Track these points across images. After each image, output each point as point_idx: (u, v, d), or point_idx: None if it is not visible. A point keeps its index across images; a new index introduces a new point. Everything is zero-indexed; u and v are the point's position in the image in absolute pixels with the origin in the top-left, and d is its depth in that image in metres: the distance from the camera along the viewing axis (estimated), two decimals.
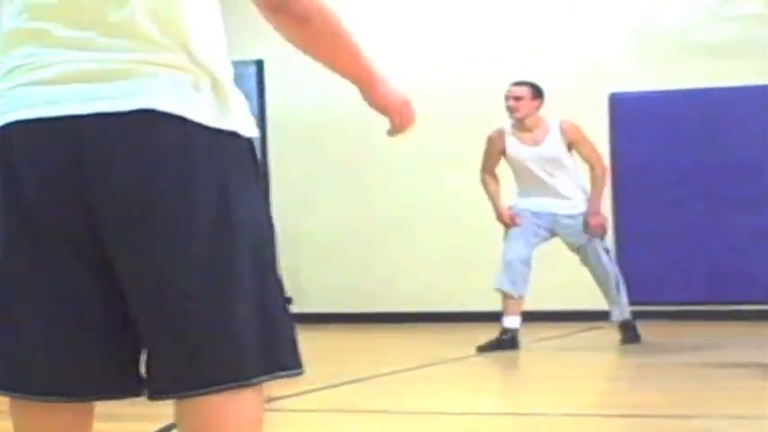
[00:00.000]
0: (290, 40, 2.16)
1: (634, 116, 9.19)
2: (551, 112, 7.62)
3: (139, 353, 2.03)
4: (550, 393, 5.64)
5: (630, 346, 7.35)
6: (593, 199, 7.36)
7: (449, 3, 9.79)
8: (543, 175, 7.38)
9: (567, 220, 7.37)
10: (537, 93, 7.39)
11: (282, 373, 2.03)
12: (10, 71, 2.01)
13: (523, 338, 7.35)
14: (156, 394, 2.02)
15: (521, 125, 7.37)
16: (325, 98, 9.63)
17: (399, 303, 9.63)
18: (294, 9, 2.09)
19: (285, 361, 2.04)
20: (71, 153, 1.94)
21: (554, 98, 8.75)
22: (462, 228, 8.29)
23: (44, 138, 1.96)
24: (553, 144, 7.36)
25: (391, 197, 9.67)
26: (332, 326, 9.43)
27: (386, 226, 9.70)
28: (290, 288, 8.46)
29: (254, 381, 1.99)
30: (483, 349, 7.26)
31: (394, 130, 2.35)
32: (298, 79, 9.15)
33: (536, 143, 7.35)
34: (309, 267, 9.83)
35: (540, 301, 8.27)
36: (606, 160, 8.98)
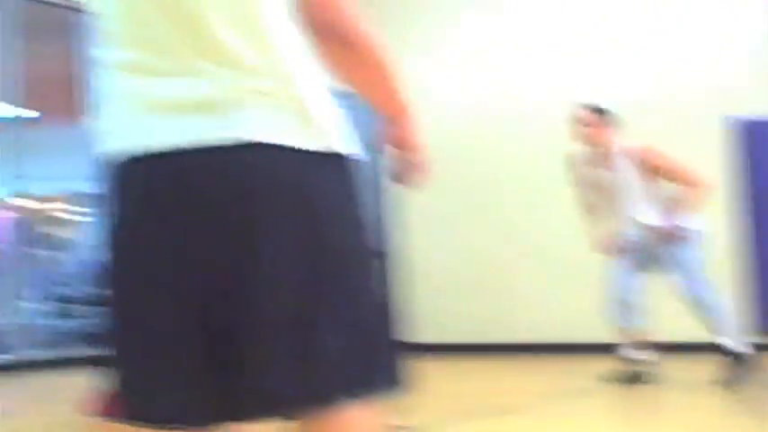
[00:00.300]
0: (331, 64, 2.17)
1: (760, 140, 8.99)
2: (668, 135, 7.47)
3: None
4: (686, 429, 5.52)
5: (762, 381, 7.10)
6: (677, 210, 7.00)
7: (566, 25, 9.74)
8: (623, 202, 7.18)
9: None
10: (602, 116, 7.18)
11: (372, 394, 2.04)
12: (108, 102, 2.06)
13: (652, 370, 7.21)
14: (240, 417, 2.02)
15: (592, 150, 7.19)
16: (455, 125, 9.67)
17: (523, 333, 9.59)
18: (341, 31, 2.12)
19: (376, 382, 2.05)
20: (171, 183, 2.00)
21: (670, 120, 8.63)
22: (591, 256, 8.22)
23: (145, 169, 2.02)
24: (626, 170, 7.12)
25: (521, 224, 9.68)
26: (459, 354, 9.41)
27: (515, 254, 9.69)
28: (417, 317, 8.47)
29: (341, 401, 2.00)
30: (611, 380, 7.14)
31: (408, 175, 2.34)
32: (429, 107, 9.23)
33: (608, 169, 7.16)
34: (437, 296, 9.86)
35: (669, 332, 8.11)
36: (727, 184, 8.82)
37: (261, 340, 1.98)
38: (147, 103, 2.03)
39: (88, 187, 5.22)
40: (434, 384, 6.73)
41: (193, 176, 1.99)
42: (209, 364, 2.00)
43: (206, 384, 2.00)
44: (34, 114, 9.48)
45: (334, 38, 2.13)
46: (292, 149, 2.01)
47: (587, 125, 7.15)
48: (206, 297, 1.99)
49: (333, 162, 2.08)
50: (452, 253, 9.99)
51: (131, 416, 2.06)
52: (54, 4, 9.06)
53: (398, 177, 2.34)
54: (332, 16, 2.12)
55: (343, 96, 2.25)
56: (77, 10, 9.10)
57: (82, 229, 6.57)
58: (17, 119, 9.05)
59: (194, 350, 2.00)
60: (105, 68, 2.08)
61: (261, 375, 1.98)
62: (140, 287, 2.04)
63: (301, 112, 2.05)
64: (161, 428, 2.04)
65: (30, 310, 9.54)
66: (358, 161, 2.16)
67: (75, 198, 8.77)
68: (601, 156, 7.18)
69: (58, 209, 5.63)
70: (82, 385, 5.87)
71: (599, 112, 7.22)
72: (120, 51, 2.06)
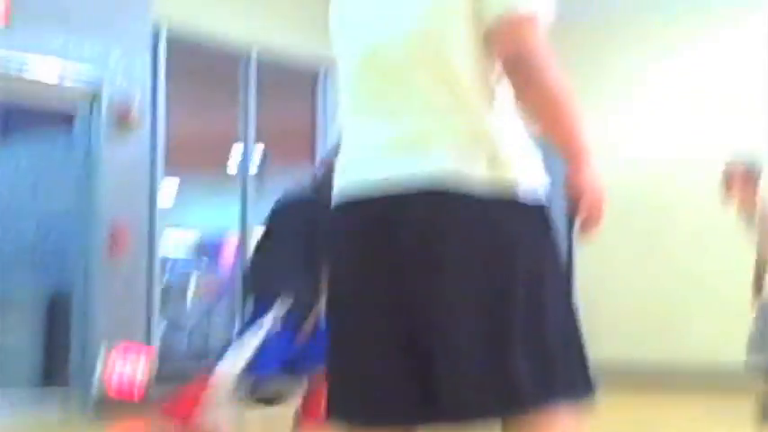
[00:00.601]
0: (518, 99, 2.21)
1: None
2: None
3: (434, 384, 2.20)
4: None
5: None
6: None
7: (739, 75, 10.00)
8: None
9: None
10: (749, 172, 7.14)
11: (560, 400, 2.19)
12: (344, 142, 2.36)
13: None
14: (445, 419, 2.21)
15: (740, 205, 7.21)
16: (628, 171, 10.00)
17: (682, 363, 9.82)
18: (525, 64, 2.16)
19: (563, 390, 2.19)
20: (379, 214, 2.23)
21: None
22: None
23: (360, 201, 2.27)
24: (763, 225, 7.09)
25: (691, 262, 9.99)
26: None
27: (685, 289, 10.02)
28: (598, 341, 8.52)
29: (531, 408, 2.15)
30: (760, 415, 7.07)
31: (581, 223, 2.31)
32: (609, 155, 9.55)
33: (756, 224, 7.15)
34: (606, 324, 10.12)
35: None
36: None
37: (457, 359, 2.14)
38: (362, 145, 2.28)
39: None
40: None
41: (390, 209, 2.20)
42: (416, 377, 2.20)
43: (413, 392, 2.21)
44: (261, 156, 10.29)
45: (519, 71, 2.16)
46: (480, 183, 2.15)
47: (730, 177, 7.17)
48: (409, 320, 2.19)
49: (520, 196, 2.19)
50: (629, 289, 10.35)
51: (350, 418, 2.31)
52: (286, 66, 9.97)
53: (574, 220, 2.29)
54: (518, 50, 2.15)
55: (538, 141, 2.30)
56: (316, 70, 9.99)
57: None
58: (248, 160, 9.89)
59: (402, 365, 2.21)
60: (340, 117, 2.39)
61: (458, 387, 2.15)
62: (354, 311, 2.28)
63: (490, 150, 2.17)
64: (378, 427, 2.27)
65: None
66: (546, 197, 2.24)
67: None
68: (746, 210, 7.18)
69: None
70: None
71: (744, 167, 7.20)
72: (346, 103, 2.36)
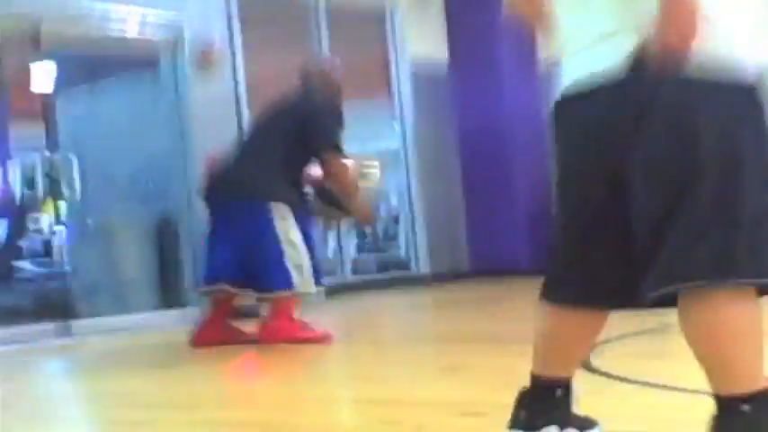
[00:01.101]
0: None
1: None
2: None
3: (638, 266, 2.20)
4: None
5: None
6: None
7: None
8: None
9: None
10: None
11: (746, 282, 2.12)
12: (562, 40, 2.43)
13: None
14: (650, 290, 2.17)
15: None
16: None
17: None
18: None
19: (752, 273, 2.12)
20: (598, 108, 2.28)
21: None
22: None
23: (579, 95, 2.33)
24: None
25: None
26: None
27: None
28: None
29: (742, 281, 2.11)
30: None
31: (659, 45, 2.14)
32: None
33: None
34: None
35: None
36: None
37: (648, 236, 2.17)
38: (575, 44, 2.36)
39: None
40: None
41: (599, 96, 2.25)
42: (625, 258, 2.23)
43: (611, 275, 2.30)
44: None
45: None
46: (699, 79, 2.12)
47: None
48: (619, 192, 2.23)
49: (724, 86, 2.15)
50: None
51: (547, 299, 2.41)
52: (355, 8, 10.51)
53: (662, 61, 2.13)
54: None
55: None
56: None
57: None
58: None
59: (603, 247, 2.30)
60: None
61: (670, 257, 2.13)
62: (570, 184, 2.38)
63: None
64: (571, 308, 2.38)
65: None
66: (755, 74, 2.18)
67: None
68: None
69: (367, 165, 6.86)
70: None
71: None
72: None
